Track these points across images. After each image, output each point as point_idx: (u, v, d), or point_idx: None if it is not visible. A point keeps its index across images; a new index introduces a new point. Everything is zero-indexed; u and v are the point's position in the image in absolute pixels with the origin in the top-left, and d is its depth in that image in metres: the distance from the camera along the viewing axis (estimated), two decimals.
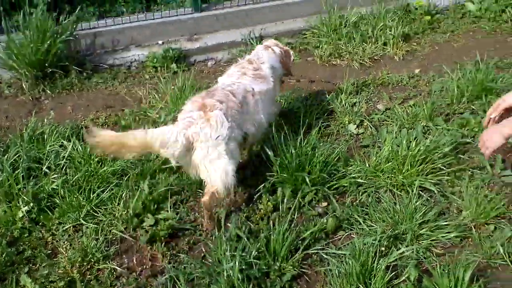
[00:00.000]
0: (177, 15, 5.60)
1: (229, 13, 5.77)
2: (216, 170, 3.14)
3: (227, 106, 3.28)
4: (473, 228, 3.24)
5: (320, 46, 5.52)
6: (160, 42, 5.53)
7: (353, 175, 3.62)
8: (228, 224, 3.24)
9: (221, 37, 5.70)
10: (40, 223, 3.29)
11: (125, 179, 3.61)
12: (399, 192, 3.51)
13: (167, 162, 3.76)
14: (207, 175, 3.17)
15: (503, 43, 5.62)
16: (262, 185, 3.57)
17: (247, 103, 3.51)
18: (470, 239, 3.20)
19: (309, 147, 3.66)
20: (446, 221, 3.26)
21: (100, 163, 3.68)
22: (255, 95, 3.59)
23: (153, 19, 5.51)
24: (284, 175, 3.54)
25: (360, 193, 3.54)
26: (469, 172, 3.66)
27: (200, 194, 3.57)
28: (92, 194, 3.44)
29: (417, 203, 3.32)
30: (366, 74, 5.12)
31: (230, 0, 5.89)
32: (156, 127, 3.93)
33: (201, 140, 3.10)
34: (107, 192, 3.48)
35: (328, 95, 4.61)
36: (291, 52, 4.30)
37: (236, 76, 3.69)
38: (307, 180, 3.45)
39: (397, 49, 5.47)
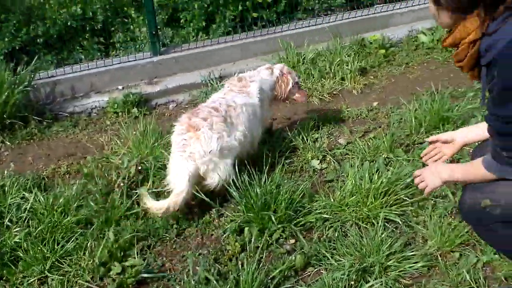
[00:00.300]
0: (136, 60, 5.61)
1: (188, 55, 5.81)
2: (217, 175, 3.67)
3: (211, 121, 3.66)
4: (439, 256, 3.27)
5: None
6: (120, 87, 5.52)
7: (319, 211, 3.63)
8: (197, 268, 3.22)
9: (181, 79, 5.73)
10: (4, 278, 3.21)
11: (90, 228, 3.56)
12: (364, 225, 3.53)
13: (132, 208, 3.76)
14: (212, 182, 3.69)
15: (456, 73, 5.76)
16: (229, 225, 3.58)
17: (230, 116, 3.82)
18: (437, 268, 3.22)
19: (273, 185, 3.67)
20: (412, 251, 3.28)
21: (64, 214, 3.62)
22: (237, 108, 3.88)
23: (112, 64, 5.52)
24: (251, 214, 3.54)
25: (327, 228, 3.54)
26: (432, 201, 3.71)
27: (167, 238, 3.56)
28: (57, 246, 3.37)
29: (383, 235, 3.34)
30: (326, 109, 5.19)
31: (188, 42, 5.94)
32: (119, 174, 3.98)
33: (198, 158, 3.56)
34: (72, 242, 3.41)
35: (290, 132, 4.65)
36: (295, 79, 4.46)
37: (223, 92, 4.15)
38: (273, 218, 3.46)
39: (355, 83, 5.58)
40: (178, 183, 3.55)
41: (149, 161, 4.18)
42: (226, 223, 3.67)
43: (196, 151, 3.55)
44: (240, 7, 6.18)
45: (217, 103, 3.90)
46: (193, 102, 5.49)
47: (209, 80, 5.68)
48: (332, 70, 5.69)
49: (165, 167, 4.13)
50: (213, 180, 3.67)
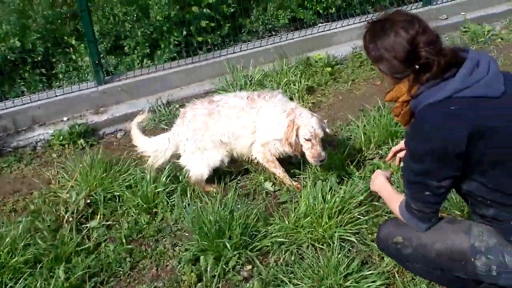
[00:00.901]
0: (80, 90, 5.47)
1: (134, 82, 5.71)
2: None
3: (196, 112, 4.16)
4: (396, 274, 3.29)
5: None
6: (65, 118, 5.36)
7: (274, 234, 3.61)
8: None
9: (128, 107, 5.63)
10: None
11: (39, 267, 3.42)
12: (320, 246, 3.52)
13: (83, 244, 3.65)
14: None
15: None
16: (184, 255, 3.51)
17: (219, 112, 4.11)
18: (395, 285, 3.24)
19: (227, 211, 3.63)
20: (370, 270, 3.30)
21: (11, 254, 3.47)
22: (229, 108, 4.11)
23: (56, 96, 5.35)
24: (205, 242, 3.48)
25: (283, 252, 3.53)
26: (386, 217, 3.73)
27: (121, 272, 3.45)
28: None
29: (340, 255, 3.33)
30: None
31: (133, 69, 5.86)
32: (67, 208, 3.87)
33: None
34: (20, 284, 3.29)
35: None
36: (305, 134, 3.93)
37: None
38: (228, 246, 3.41)
39: (303, 102, 5.59)
40: None
41: (98, 193, 4.09)
42: (180, 253, 3.61)
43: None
44: (184, 32, 6.13)
45: (219, 98, 4.27)
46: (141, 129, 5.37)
47: (157, 107, 5.60)
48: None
49: (115, 199, 4.05)
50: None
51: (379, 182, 3.11)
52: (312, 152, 3.91)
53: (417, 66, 2.49)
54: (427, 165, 2.50)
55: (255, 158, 4.22)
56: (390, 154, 3.38)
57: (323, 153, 3.93)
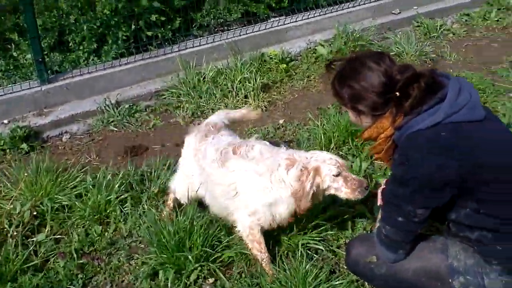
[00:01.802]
0: (22, 90, 5.12)
1: (81, 81, 5.40)
2: None
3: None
4: (366, 283, 3.17)
5: (182, 106, 5.35)
6: (5, 121, 5.01)
7: (238, 245, 3.42)
8: None
9: (75, 107, 5.31)
10: None
11: None
12: (285, 255, 3.37)
13: (30, 260, 3.38)
14: None
15: None
16: (141, 270, 3.30)
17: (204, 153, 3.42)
18: None
19: (187, 220, 3.42)
20: (338, 280, 3.16)
21: None
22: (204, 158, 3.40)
23: None
24: (164, 255, 3.27)
25: (248, 263, 3.35)
26: (351, 222, 3.61)
27: None
28: None
29: (308, 265, 3.18)
30: (231, 129, 4.97)
31: (79, 67, 5.54)
32: (11, 221, 3.58)
33: None
34: None
35: None
36: (330, 171, 3.05)
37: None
38: (190, 258, 3.20)
39: (258, 101, 5.43)
40: None
41: (45, 203, 3.81)
42: (137, 267, 3.40)
43: None
44: (133, 27, 5.85)
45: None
46: (89, 131, 5.11)
47: (105, 107, 5.32)
48: (235, 88, 5.50)
49: (64, 209, 3.79)
50: None
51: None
52: (349, 185, 3.05)
53: (397, 93, 2.46)
54: (409, 189, 2.43)
55: (238, 231, 3.33)
56: (380, 196, 3.08)
57: (362, 178, 3.23)
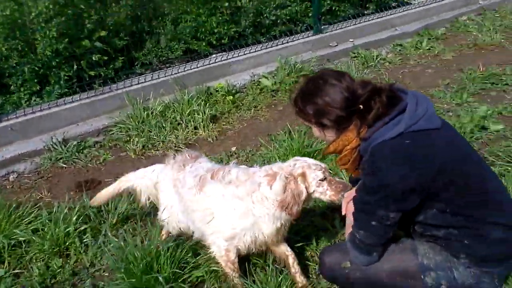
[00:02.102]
0: None
1: (25, 121, 5.30)
2: None
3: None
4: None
5: (131, 140, 5.31)
6: None
7: (207, 265, 3.39)
8: None
9: (20, 147, 5.19)
10: None
11: None
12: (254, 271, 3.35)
13: None
14: None
15: None
16: None
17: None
18: None
19: (152, 244, 3.36)
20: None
21: None
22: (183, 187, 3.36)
23: None
24: (133, 280, 3.19)
25: (218, 280, 3.32)
26: (315, 236, 3.66)
27: None
28: None
29: (280, 278, 3.18)
30: None
31: (23, 108, 5.43)
32: None
33: None
34: None
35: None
36: (316, 177, 3.04)
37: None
38: (160, 278, 3.14)
39: (209, 131, 5.48)
40: None
41: (1, 240, 3.71)
42: None
43: None
44: (75, 67, 5.81)
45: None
46: (37, 170, 4.98)
47: (52, 145, 5.21)
48: (184, 121, 5.53)
49: (21, 244, 3.67)
50: None
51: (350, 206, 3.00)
52: (334, 188, 3.06)
53: (361, 106, 2.57)
54: (380, 196, 2.52)
55: (212, 252, 3.26)
56: (344, 206, 3.13)
57: (345, 181, 3.28)
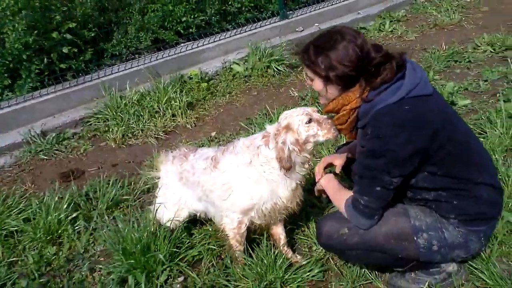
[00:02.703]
0: None
1: (2, 115, 5.29)
2: None
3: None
4: (330, 259, 3.33)
5: (110, 130, 5.33)
6: None
7: (204, 241, 3.48)
8: None
9: None
10: None
11: None
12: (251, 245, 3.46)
13: None
14: None
15: (277, 95, 6.06)
16: (109, 278, 3.26)
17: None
18: (330, 271, 3.28)
19: (148, 225, 3.43)
20: (305, 260, 3.30)
21: None
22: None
23: None
24: (132, 261, 3.26)
25: (216, 257, 3.42)
26: (304, 212, 3.77)
27: None
28: None
29: (277, 251, 3.28)
30: (165, 146, 5.05)
31: None
32: None
33: None
34: None
35: (138, 175, 4.50)
36: (300, 122, 2.98)
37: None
38: (161, 257, 3.22)
39: (187, 118, 5.55)
40: None
41: None
42: (103, 277, 3.34)
43: None
44: (45, 60, 5.79)
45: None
46: (17, 163, 4.96)
47: (31, 138, 5.20)
48: (161, 109, 5.58)
49: (13, 234, 3.69)
50: None
51: (327, 177, 3.15)
52: (325, 126, 2.96)
53: (372, 69, 2.62)
54: (385, 162, 2.61)
55: (222, 225, 3.28)
56: (318, 174, 3.29)
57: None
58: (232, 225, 3.20)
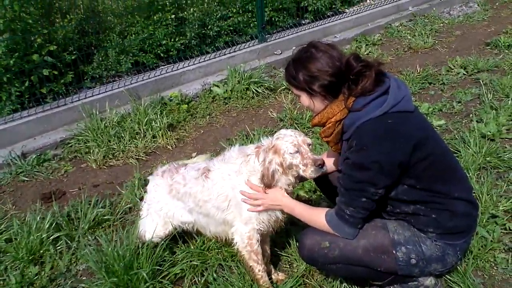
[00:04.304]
0: None
1: None
2: None
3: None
4: (310, 276, 3.40)
5: (91, 151, 5.35)
6: None
7: (185, 260, 3.53)
8: None
9: None
10: None
11: None
12: (234, 264, 3.50)
13: None
14: None
15: (257, 116, 6.15)
16: None
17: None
18: (311, 287, 3.34)
19: (130, 244, 3.47)
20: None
21: None
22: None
23: None
24: (115, 278, 3.28)
25: (198, 274, 3.47)
26: (284, 229, 3.82)
27: None
28: None
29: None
30: (146, 167, 5.09)
31: None
32: None
33: None
34: None
35: (119, 195, 4.56)
36: (288, 149, 3.02)
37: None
38: (145, 274, 3.25)
39: (167, 139, 5.60)
40: None
41: None
42: None
43: None
44: (26, 83, 5.81)
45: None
46: None
47: (11, 159, 5.21)
48: (142, 130, 5.63)
49: None
50: None
51: (286, 198, 3.13)
52: (304, 162, 2.99)
53: (352, 76, 2.73)
54: (371, 174, 2.69)
55: (236, 244, 3.25)
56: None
57: (318, 156, 3.07)
58: (242, 243, 3.19)
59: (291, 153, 3.01)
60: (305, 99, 2.90)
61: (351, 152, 2.75)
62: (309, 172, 3.01)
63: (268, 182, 3.05)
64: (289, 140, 3.03)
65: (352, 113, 2.76)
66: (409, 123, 2.72)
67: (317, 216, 3.00)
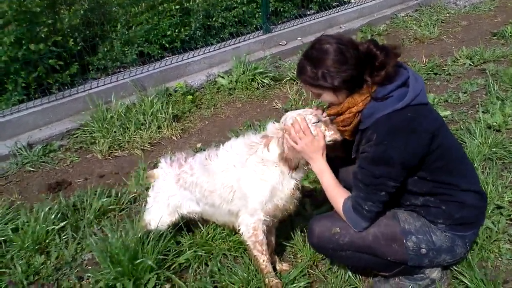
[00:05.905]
0: None
1: None
2: None
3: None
4: (315, 267, 3.42)
5: (96, 142, 5.38)
6: None
7: (190, 250, 3.55)
8: None
9: None
10: None
11: None
12: (238, 254, 3.53)
13: None
14: None
15: (262, 107, 6.16)
16: (98, 285, 3.31)
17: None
18: (315, 276, 3.36)
19: (136, 233, 3.49)
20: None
21: None
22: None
23: None
24: (119, 268, 3.30)
25: (202, 264, 3.49)
26: (289, 220, 3.84)
27: None
28: None
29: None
30: (151, 158, 5.11)
31: None
32: None
33: None
34: None
35: (124, 185, 4.57)
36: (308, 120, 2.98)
37: None
38: (150, 262, 3.27)
39: (172, 130, 5.61)
40: None
41: None
42: (91, 285, 3.38)
43: None
44: (33, 74, 5.82)
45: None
46: (4, 175, 4.97)
47: (17, 150, 5.23)
48: (147, 121, 5.64)
49: (0, 244, 3.71)
50: None
51: (322, 162, 2.98)
52: (332, 128, 2.99)
53: (377, 63, 2.65)
54: (392, 169, 2.66)
55: (242, 234, 3.24)
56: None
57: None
58: (248, 233, 3.17)
59: (313, 124, 2.96)
60: (329, 95, 2.78)
61: (370, 146, 2.69)
62: (338, 134, 2.98)
63: (293, 164, 2.99)
64: (307, 113, 3.00)
65: (372, 103, 2.70)
66: (427, 116, 2.70)
67: (338, 198, 2.93)
